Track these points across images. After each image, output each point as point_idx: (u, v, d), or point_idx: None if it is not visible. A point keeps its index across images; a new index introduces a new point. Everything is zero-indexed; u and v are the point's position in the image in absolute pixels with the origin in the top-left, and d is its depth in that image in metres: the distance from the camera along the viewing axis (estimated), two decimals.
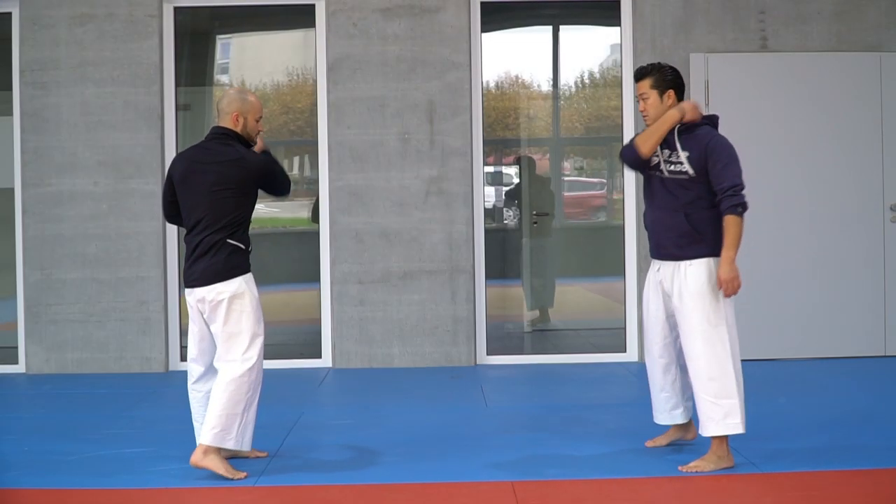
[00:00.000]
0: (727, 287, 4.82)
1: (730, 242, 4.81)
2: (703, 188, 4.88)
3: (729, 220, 4.80)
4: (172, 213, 5.13)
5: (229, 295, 4.87)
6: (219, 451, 4.84)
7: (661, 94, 4.98)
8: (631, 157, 4.97)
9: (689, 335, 4.88)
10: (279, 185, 5.10)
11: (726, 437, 4.84)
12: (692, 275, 4.88)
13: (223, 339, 4.89)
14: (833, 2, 7.87)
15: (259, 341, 4.92)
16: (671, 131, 4.94)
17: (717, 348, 4.82)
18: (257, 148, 5.08)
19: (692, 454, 5.00)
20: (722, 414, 4.79)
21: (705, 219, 4.88)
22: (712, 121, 5.02)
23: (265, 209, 8.52)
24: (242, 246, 4.94)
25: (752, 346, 7.77)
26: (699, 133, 4.91)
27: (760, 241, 7.78)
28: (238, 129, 5.00)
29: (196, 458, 4.81)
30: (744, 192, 4.82)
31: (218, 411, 4.80)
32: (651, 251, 5.10)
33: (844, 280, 7.85)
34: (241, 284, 4.90)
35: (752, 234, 7.76)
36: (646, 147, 4.90)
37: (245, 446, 4.91)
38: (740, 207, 4.79)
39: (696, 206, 4.88)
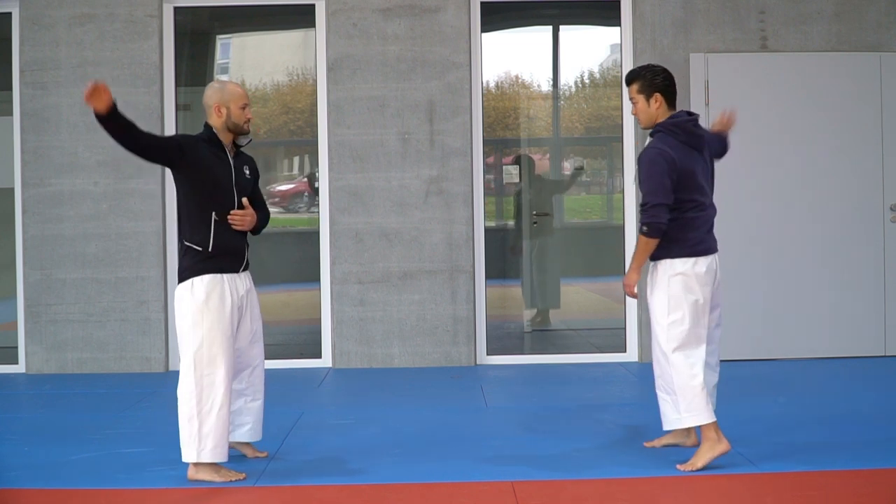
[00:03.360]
0: (625, 287, 5.06)
1: (635, 255, 4.99)
2: None
3: (639, 236, 4.96)
4: None
5: (177, 297, 4.83)
6: (210, 462, 4.78)
7: (648, 97, 5.01)
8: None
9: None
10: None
11: (712, 423, 4.86)
12: (650, 277, 5.06)
13: None
14: (833, 2, 7.87)
15: (191, 349, 4.72)
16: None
17: (661, 345, 4.97)
18: (243, 118, 4.89)
19: (691, 454, 5.00)
20: (668, 409, 4.98)
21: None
22: (665, 127, 4.94)
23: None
24: (198, 247, 4.79)
25: (753, 346, 7.78)
26: (650, 140, 5.01)
27: (760, 241, 7.79)
28: (222, 121, 4.89)
29: (189, 473, 4.79)
30: (654, 210, 4.84)
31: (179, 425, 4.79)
32: None
33: (844, 280, 7.85)
34: (185, 288, 4.77)
35: (752, 235, 7.79)
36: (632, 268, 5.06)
37: (205, 457, 4.71)
38: (644, 227, 4.89)
39: None
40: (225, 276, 4.83)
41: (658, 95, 4.99)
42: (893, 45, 7.88)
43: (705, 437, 4.87)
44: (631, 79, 5.06)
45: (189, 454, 4.73)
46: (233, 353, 4.83)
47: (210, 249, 4.79)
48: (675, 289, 4.90)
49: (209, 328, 4.74)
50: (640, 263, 4.97)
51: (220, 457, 4.76)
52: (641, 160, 4.93)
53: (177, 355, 7.81)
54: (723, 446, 4.85)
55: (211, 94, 4.94)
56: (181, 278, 4.82)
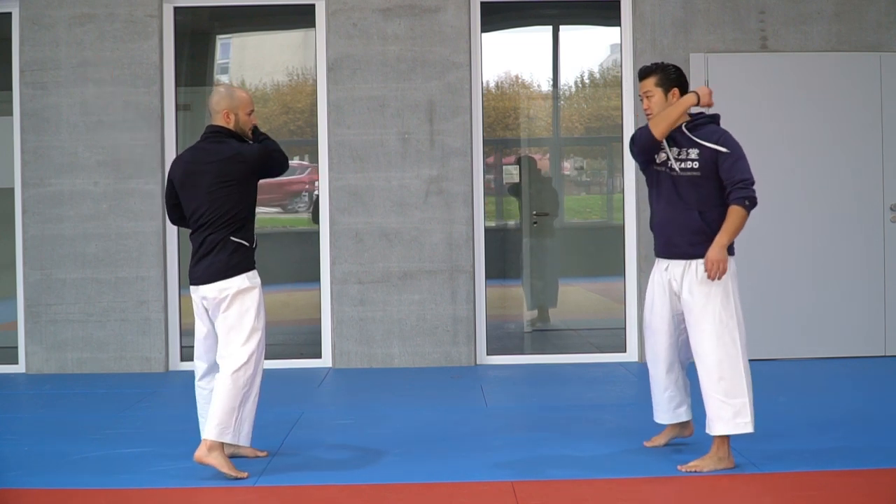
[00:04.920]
0: (712, 268, 4.79)
1: (727, 228, 4.82)
2: (713, 186, 4.88)
3: (733, 210, 4.82)
4: (176, 216, 5.19)
5: (233, 291, 4.91)
6: (222, 448, 4.85)
7: (666, 91, 4.99)
8: (644, 139, 4.91)
9: (700, 333, 4.86)
10: (278, 166, 5.14)
11: (728, 438, 4.84)
12: (704, 274, 4.86)
13: (223, 334, 4.93)
14: (833, 2, 7.88)
15: (257, 337, 4.93)
16: (680, 128, 4.94)
17: (728, 347, 4.81)
18: (249, 124, 5.09)
19: (692, 454, 5.00)
20: (732, 413, 4.78)
21: (717, 217, 4.88)
22: (715, 119, 5.03)
23: (265, 209, 8.52)
24: (246, 243, 4.97)
25: (753, 346, 7.72)
26: (707, 130, 4.93)
27: (760, 241, 7.79)
28: (230, 126, 5.02)
29: (200, 453, 4.82)
30: (754, 187, 4.84)
31: (218, 406, 4.84)
32: (658, 250, 5.06)
33: (844, 280, 7.85)
34: (245, 281, 4.95)
35: (752, 235, 7.77)
36: (658, 130, 4.86)
37: (242, 440, 4.94)
38: (748, 201, 4.81)
39: (708, 204, 4.89)
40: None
41: (676, 91, 4.98)
42: (893, 45, 7.88)
43: (719, 453, 4.83)
44: (647, 72, 5.02)
45: (231, 435, 4.85)
46: None
47: (254, 245, 5.04)
48: (736, 288, 4.87)
49: (265, 318, 5.03)
50: (731, 239, 4.84)
51: (249, 441, 5.01)
52: (725, 140, 4.85)
53: (176, 355, 7.84)
54: (730, 463, 4.84)
55: (219, 99, 5.04)
56: (233, 273, 4.93)
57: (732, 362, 4.80)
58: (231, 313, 4.92)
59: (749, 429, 4.80)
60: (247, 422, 4.95)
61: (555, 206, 8.47)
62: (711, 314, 4.83)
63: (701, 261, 4.87)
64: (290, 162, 5.29)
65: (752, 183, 4.84)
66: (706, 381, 4.84)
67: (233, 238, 4.94)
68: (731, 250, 4.92)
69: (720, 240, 4.81)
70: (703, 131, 4.92)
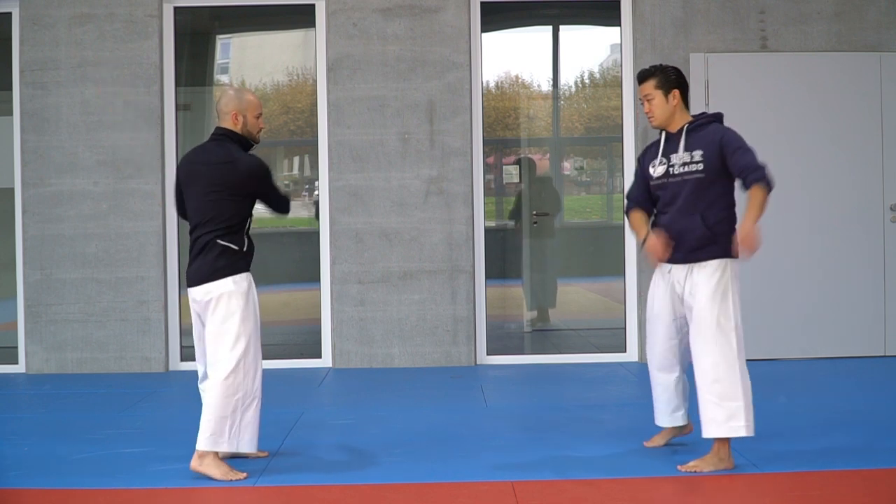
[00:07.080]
0: (746, 240, 4.63)
1: (752, 209, 4.67)
2: (717, 188, 4.86)
3: (754, 190, 4.69)
4: (182, 210, 5.16)
5: (216, 295, 4.86)
6: (216, 455, 4.83)
7: (666, 93, 4.96)
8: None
9: (699, 336, 4.84)
10: (273, 201, 5.07)
11: (728, 439, 4.84)
12: (706, 276, 4.86)
13: (210, 340, 4.89)
14: (833, 2, 7.88)
15: (244, 342, 4.84)
16: (682, 130, 4.95)
17: (725, 350, 4.78)
18: (257, 127, 5.04)
19: (692, 454, 5.00)
20: (725, 416, 4.76)
21: (720, 220, 4.87)
22: (717, 118, 5.00)
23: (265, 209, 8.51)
24: (235, 247, 4.89)
25: (753, 346, 7.75)
26: (709, 129, 4.90)
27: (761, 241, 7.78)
28: (238, 128, 4.98)
29: (194, 462, 4.82)
30: (767, 172, 4.72)
31: (208, 415, 4.80)
32: None
33: (844, 280, 7.85)
34: (229, 285, 4.86)
35: None
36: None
37: (244, 447, 4.89)
38: (763, 182, 4.68)
39: (711, 206, 4.86)
40: (250, 274, 5.01)
41: (676, 92, 4.96)
42: (893, 45, 7.88)
43: (719, 454, 4.82)
44: (647, 75, 5.00)
45: (227, 444, 4.81)
46: None
47: (245, 249, 4.95)
48: (737, 292, 4.84)
49: (254, 323, 4.94)
50: (759, 218, 4.65)
51: (254, 447, 4.94)
52: (727, 136, 4.81)
53: (176, 355, 7.84)
54: (730, 464, 4.84)
55: (227, 101, 5.00)
56: (217, 276, 4.87)
57: (728, 365, 4.77)
58: (216, 317, 4.87)
59: (743, 432, 4.76)
60: (248, 429, 4.86)
61: (555, 206, 8.47)
62: (709, 316, 4.81)
63: (703, 263, 4.86)
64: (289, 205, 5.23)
65: (766, 168, 4.73)
66: (701, 383, 4.83)
67: (220, 241, 4.88)
68: (735, 252, 4.87)
69: (749, 219, 4.66)
70: (706, 131, 4.90)
